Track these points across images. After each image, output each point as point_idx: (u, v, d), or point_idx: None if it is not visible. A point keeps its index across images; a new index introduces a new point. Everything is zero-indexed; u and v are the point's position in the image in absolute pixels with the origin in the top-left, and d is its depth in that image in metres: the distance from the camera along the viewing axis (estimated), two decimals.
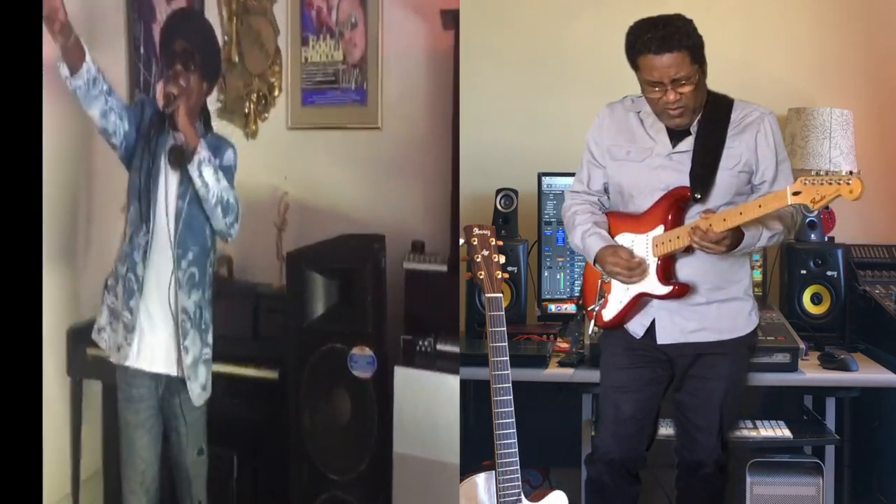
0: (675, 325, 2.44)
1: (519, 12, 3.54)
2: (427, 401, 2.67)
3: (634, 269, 2.40)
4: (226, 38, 3.30)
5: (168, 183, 2.44)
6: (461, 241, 2.49)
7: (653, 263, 2.42)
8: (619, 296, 2.50)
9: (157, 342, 2.48)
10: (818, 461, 2.77)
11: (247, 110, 3.36)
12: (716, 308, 2.43)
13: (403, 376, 2.70)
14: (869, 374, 2.76)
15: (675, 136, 2.41)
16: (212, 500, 2.67)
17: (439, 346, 2.79)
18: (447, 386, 2.66)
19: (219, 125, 3.21)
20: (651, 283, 2.42)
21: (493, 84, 3.51)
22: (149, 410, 2.52)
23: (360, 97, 3.24)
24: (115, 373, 2.68)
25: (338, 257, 2.82)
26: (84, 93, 2.29)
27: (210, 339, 2.55)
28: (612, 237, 2.49)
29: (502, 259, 2.42)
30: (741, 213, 2.25)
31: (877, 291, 3.02)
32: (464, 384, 2.69)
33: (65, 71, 2.26)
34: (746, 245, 2.33)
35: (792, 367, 2.71)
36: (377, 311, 2.72)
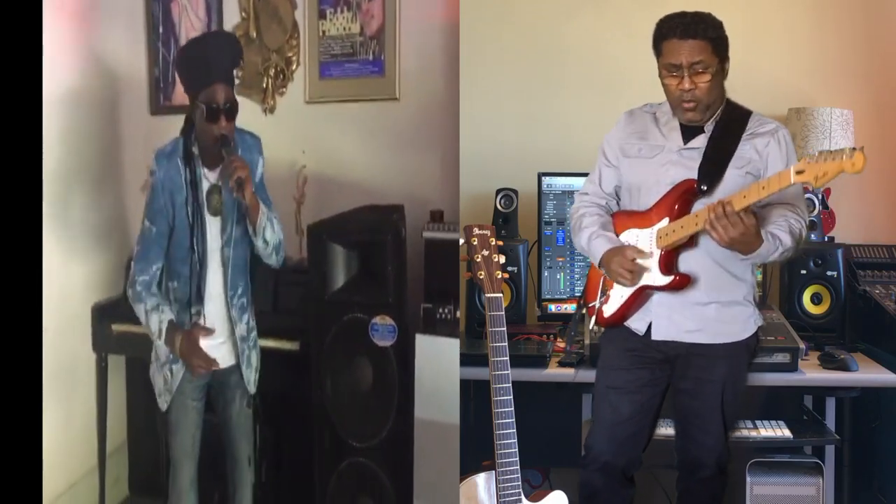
0: (673, 323, 2.44)
1: (519, 12, 3.54)
2: (448, 367, 2.70)
3: (637, 273, 2.40)
4: (243, 14, 3.33)
5: (210, 230, 2.53)
6: (461, 241, 2.49)
7: (656, 255, 2.41)
8: (620, 290, 2.49)
9: (213, 348, 2.58)
10: (818, 461, 2.77)
11: (265, 85, 3.34)
12: (715, 310, 2.42)
13: (424, 343, 2.74)
14: (869, 374, 2.76)
15: (688, 133, 2.43)
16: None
17: (459, 314, 2.84)
18: (453, 350, 2.70)
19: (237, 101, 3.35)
20: (653, 275, 2.42)
21: (493, 84, 3.51)
22: (200, 381, 2.61)
23: (378, 69, 3.23)
24: (137, 348, 2.83)
25: (358, 229, 2.85)
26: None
27: (252, 321, 2.67)
28: (618, 235, 2.49)
29: (502, 259, 2.42)
30: (745, 196, 2.22)
31: (877, 291, 3.02)
32: (464, 384, 2.69)
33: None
34: (761, 254, 2.31)
35: (792, 367, 2.71)
36: (398, 281, 2.75)
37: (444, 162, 3.12)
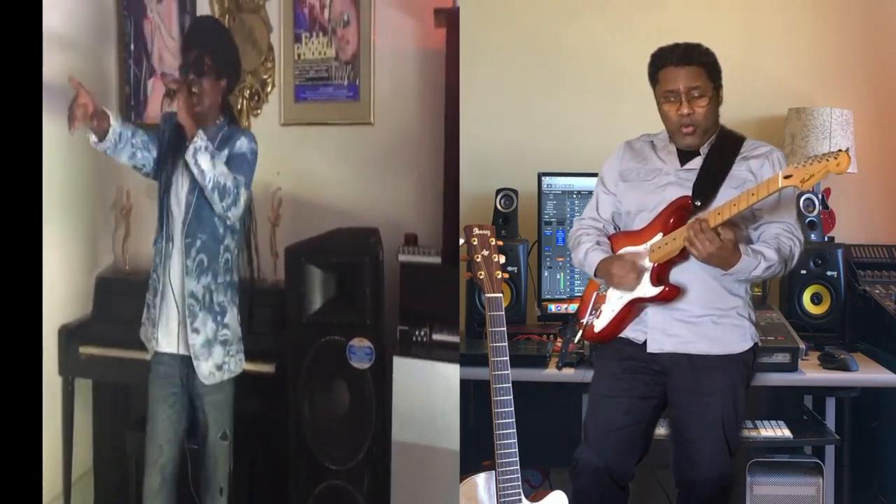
0: (668, 336, 2.46)
1: (519, 12, 3.55)
2: (424, 389, 2.74)
3: (640, 273, 2.44)
4: None
5: (182, 182, 2.55)
6: (461, 241, 2.49)
7: (648, 269, 2.45)
8: (611, 305, 2.52)
9: (173, 326, 2.58)
10: (818, 461, 2.77)
11: (239, 107, 3.40)
12: (709, 321, 2.44)
13: (400, 366, 2.77)
14: (869, 374, 2.76)
15: (685, 157, 2.50)
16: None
17: (435, 336, 2.88)
18: (444, 375, 2.73)
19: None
20: (644, 287, 2.45)
21: (493, 84, 3.51)
22: (171, 388, 2.60)
23: (353, 93, 3.30)
24: (105, 371, 2.98)
25: (337, 251, 2.86)
26: (112, 151, 2.50)
27: (229, 320, 2.62)
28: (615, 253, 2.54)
29: (502, 259, 2.42)
30: (735, 205, 2.29)
31: (877, 291, 3.02)
32: (464, 384, 2.70)
33: (93, 138, 2.47)
34: (742, 269, 2.34)
35: (792, 367, 2.71)
36: (375, 304, 2.77)
37: (419, 185, 3.20)
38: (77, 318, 3.24)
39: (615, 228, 2.62)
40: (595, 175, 2.69)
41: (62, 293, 3.22)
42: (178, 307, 2.55)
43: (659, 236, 2.44)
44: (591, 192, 2.72)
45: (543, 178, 3.23)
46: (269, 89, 3.42)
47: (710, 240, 2.28)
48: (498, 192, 3.21)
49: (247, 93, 3.40)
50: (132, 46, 3.48)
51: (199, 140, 2.45)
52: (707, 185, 2.43)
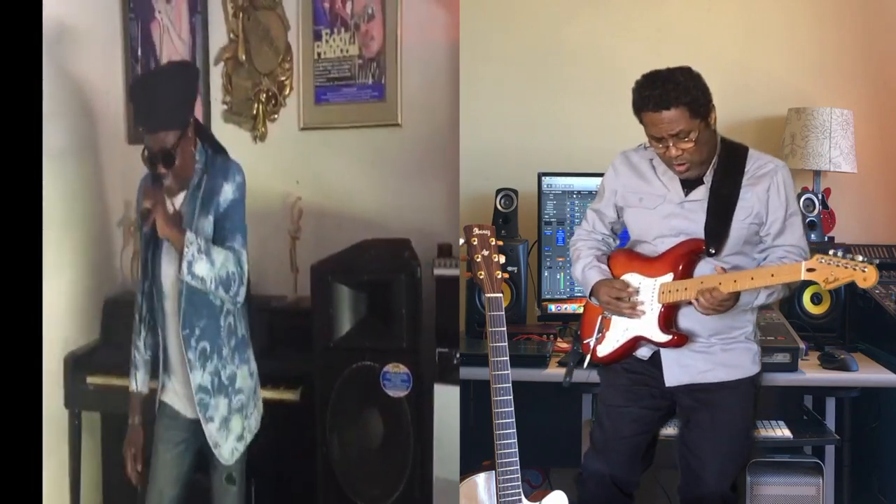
0: (683, 367, 2.42)
1: (519, 12, 3.54)
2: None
3: (625, 301, 2.41)
4: (231, 35, 3.17)
5: (166, 271, 2.36)
6: (461, 241, 2.48)
7: (656, 310, 2.40)
8: (616, 335, 2.49)
9: (184, 397, 2.41)
10: (818, 461, 2.77)
11: (255, 112, 3.16)
12: (720, 349, 2.42)
13: (441, 393, 2.55)
14: (869, 374, 2.76)
15: (688, 184, 2.41)
16: None
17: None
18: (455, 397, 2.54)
19: (224, 129, 3.11)
20: (651, 329, 2.41)
21: (493, 84, 3.51)
22: (177, 430, 2.42)
23: (378, 93, 3.05)
24: (114, 402, 2.62)
25: (368, 268, 2.64)
26: None
27: (241, 384, 2.43)
28: (621, 275, 2.49)
29: (502, 259, 2.42)
30: (752, 279, 2.25)
31: (877, 291, 3.01)
32: (464, 384, 2.68)
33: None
34: (743, 304, 2.34)
35: (792, 367, 2.71)
36: (412, 325, 2.56)
37: (453, 191, 2.91)
38: (83, 346, 3.01)
39: (613, 239, 2.60)
40: (595, 175, 2.68)
41: (66, 319, 2.99)
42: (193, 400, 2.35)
43: (669, 276, 2.38)
44: (591, 193, 2.71)
45: (543, 178, 3.23)
46: (287, 92, 3.15)
47: (720, 307, 2.28)
48: (498, 192, 3.21)
49: (263, 97, 3.16)
50: (139, 51, 3.26)
51: (190, 248, 2.23)
52: (717, 224, 2.35)
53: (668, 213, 2.41)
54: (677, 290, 2.36)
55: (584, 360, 2.54)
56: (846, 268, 2.13)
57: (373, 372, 2.54)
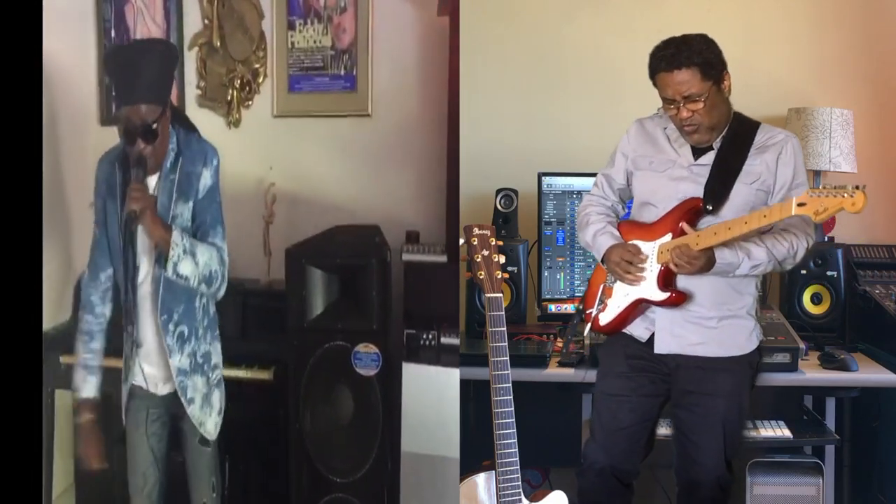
0: (675, 337, 2.44)
1: (519, 12, 3.54)
2: (433, 396, 2.65)
3: (635, 266, 2.42)
4: (206, 21, 3.21)
5: (144, 247, 2.34)
6: (461, 241, 2.48)
7: (655, 270, 2.43)
8: (617, 301, 2.51)
9: (159, 379, 2.43)
10: (818, 461, 2.77)
11: (229, 98, 3.23)
12: (716, 323, 2.43)
13: (408, 372, 2.68)
14: (869, 374, 2.76)
15: (698, 150, 2.45)
16: None
17: (444, 340, 2.78)
18: (453, 381, 2.64)
19: (199, 114, 3.15)
20: (650, 289, 2.43)
21: (493, 84, 3.51)
22: (151, 407, 2.45)
23: (350, 83, 3.16)
24: None
25: (341, 253, 2.76)
26: None
27: (216, 359, 2.48)
28: None
29: (502, 259, 2.42)
30: (745, 223, 2.26)
31: (877, 291, 3.01)
32: (464, 384, 2.69)
33: None
34: (721, 268, 2.34)
35: (792, 367, 2.71)
36: (382, 308, 2.68)
37: (420, 180, 3.06)
38: (56, 325, 3.01)
39: (622, 207, 2.61)
40: (595, 175, 2.68)
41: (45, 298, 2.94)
42: (173, 382, 2.37)
43: (668, 237, 2.41)
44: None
45: (543, 178, 3.23)
46: (261, 79, 3.23)
47: (690, 264, 2.31)
48: (498, 192, 3.21)
49: (237, 83, 3.23)
50: (113, 33, 3.27)
51: (175, 249, 2.24)
52: (719, 185, 2.39)
53: (676, 176, 2.45)
54: (669, 250, 2.39)
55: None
56: (835, 196, 2.15)
57: (344, 352, 2.66)
